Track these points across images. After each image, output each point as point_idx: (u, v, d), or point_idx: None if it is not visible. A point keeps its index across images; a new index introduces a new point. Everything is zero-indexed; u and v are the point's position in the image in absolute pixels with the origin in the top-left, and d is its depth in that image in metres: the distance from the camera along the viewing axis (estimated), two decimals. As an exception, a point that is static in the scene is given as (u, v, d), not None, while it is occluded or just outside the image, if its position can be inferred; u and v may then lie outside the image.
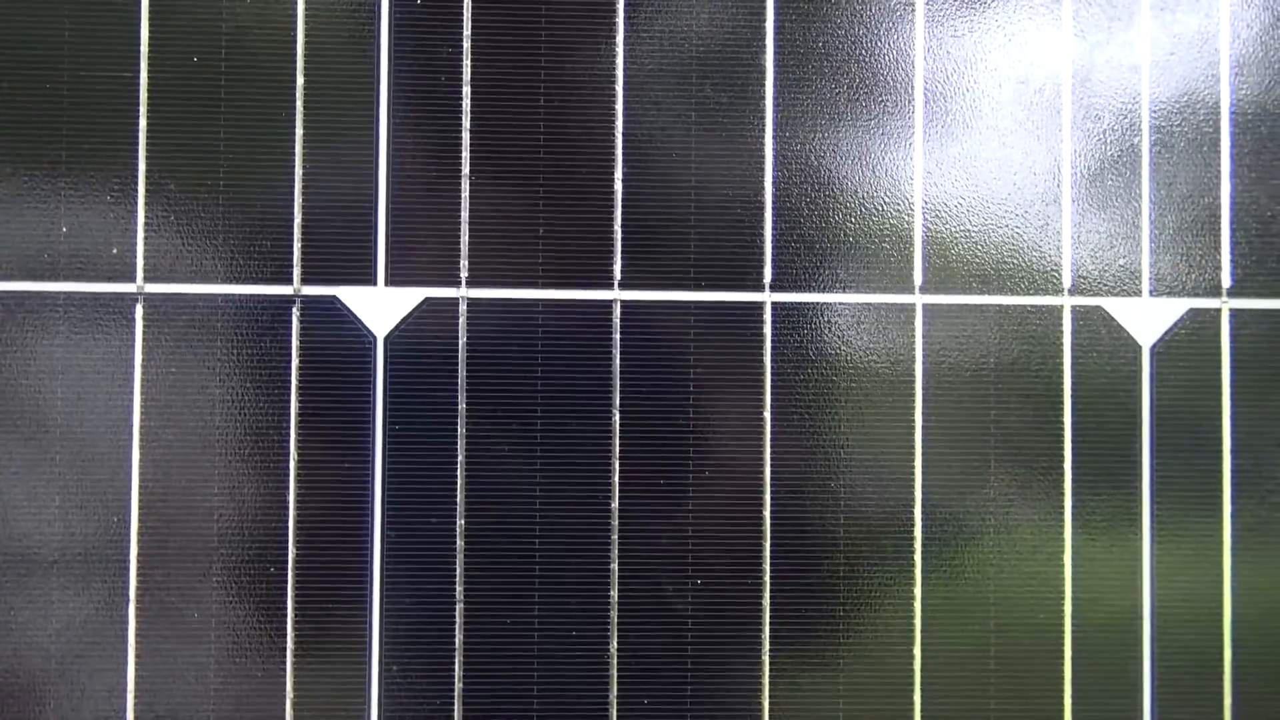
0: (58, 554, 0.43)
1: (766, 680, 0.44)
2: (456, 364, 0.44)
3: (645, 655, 0.44)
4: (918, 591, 0.45)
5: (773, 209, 0.45)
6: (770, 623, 0.44)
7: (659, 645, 0.44)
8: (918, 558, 0.45)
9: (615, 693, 0.44)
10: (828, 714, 0.44)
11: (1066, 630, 0.45)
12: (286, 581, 0.44)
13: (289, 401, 0.44)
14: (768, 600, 0.44)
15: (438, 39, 0.45)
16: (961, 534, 0.45)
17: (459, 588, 0.44)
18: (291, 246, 0.44)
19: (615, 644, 0.44)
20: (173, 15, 0.44)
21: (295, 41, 0.44)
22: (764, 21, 0.45)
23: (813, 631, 0.44)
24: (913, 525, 0.45)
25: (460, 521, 0.44)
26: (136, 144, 0.44)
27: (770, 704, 0.44)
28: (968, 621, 0.45)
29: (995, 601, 0.45)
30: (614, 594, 0.44)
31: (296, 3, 0.44)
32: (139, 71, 0.44)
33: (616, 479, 0.44)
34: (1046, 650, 0.45)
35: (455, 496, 0.44)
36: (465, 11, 0.45)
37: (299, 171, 0.44)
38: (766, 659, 0.44)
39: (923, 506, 0.45)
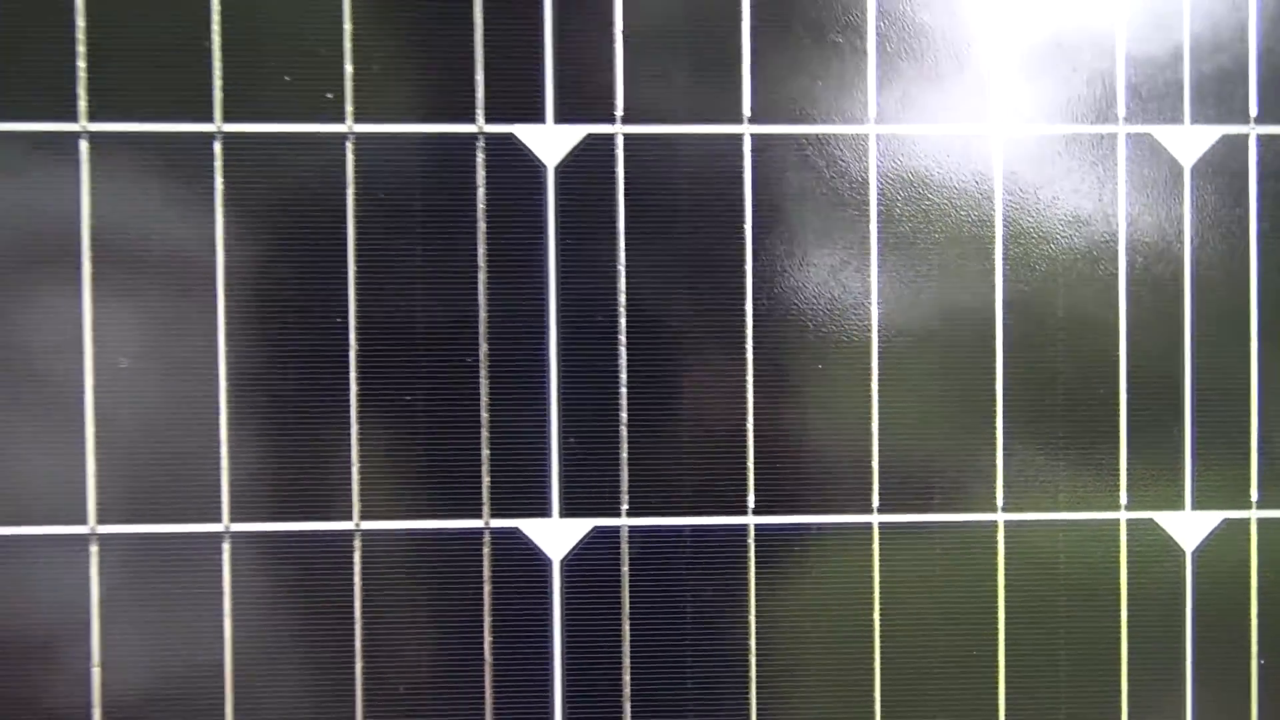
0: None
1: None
2: (615, 190, 0.53)
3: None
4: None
5: None
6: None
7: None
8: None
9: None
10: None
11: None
12: (480, 372, 0.53)
13: (476, 229, 0.53)
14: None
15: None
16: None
17: (623, 374, 0.53)
18: (474, 91, 0.53)
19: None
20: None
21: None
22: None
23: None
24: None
25: (622, 320, 0.53)
26: None
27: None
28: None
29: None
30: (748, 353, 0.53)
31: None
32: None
33: (749, 283, 0.53)
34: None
35: (618, 299, 0.53)
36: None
37: (479, 18, 0.53)
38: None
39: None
